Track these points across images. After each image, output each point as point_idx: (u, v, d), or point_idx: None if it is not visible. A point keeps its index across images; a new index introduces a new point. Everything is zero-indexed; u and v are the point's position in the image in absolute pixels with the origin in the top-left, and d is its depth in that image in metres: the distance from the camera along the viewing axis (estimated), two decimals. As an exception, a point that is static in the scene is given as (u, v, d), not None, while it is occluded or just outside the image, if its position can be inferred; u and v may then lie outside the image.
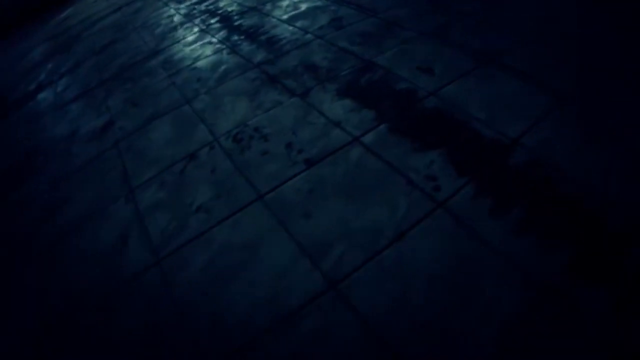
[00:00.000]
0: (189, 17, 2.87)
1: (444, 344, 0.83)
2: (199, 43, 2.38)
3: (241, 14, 2.59)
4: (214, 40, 2.33)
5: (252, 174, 1.33)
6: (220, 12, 2.78)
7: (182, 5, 3.19)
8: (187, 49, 2.35)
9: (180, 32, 2.65)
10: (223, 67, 1.99)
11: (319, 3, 2.39)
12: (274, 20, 2.33)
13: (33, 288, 1.27)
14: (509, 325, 0.83)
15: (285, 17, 2.32)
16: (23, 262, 1.39)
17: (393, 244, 1.03)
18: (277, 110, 1.57)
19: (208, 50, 2.22)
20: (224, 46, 2.21)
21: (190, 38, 2.48)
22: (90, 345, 1.03)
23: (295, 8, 2.42)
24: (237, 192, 1.29)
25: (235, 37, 2.26)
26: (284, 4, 2.52)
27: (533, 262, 0.91)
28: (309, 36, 2.05)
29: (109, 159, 1.72)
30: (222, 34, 2.37)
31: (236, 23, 2.45)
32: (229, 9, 2.75)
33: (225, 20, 2.57)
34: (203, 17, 2.77)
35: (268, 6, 2.57)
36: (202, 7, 2.98)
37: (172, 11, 3.13)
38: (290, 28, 2.18)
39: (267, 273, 1.04)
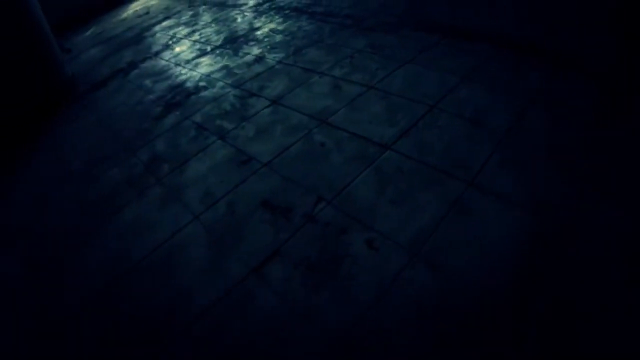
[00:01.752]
0: (259, 12, 3.97)
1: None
2: (289, 22, 3.48)
3: (307, 5, 3.79)
4: (302, 18, 3.47)
5: (394, 58, 2.45)
6: (284, 6, 3.94)
7: (243, 8, 4.26)
8: (284, 25, 3.44)
9: (263, 19, 3.73)
10: (328, 29, 3.13)
11: None
12: (337, 8, 3.58)
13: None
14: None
15: (344, 5, 3.59)
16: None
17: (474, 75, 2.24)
18: (386, 39, 2.75)
19: (304, 24, 3.35)
20: (315, 20, 3.36)
21: (278, 21, 3.58)
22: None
23: None
24: (395, 61, 2.39)
25: (319, 17, 3.44)
26: (336, 1, 3.81)
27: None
28: (369, 13, 3.33)
29: (279, 69, 2.67)
30: (305, 17, 3.53)
31: (309, 10, 3.64)
32: (293, 5, 3.92)
33: (297, 10, 3.74)
34: (273, 11, 3.90)
35: (324, 2, 3.82)
36: (265, 7, 4.12)
37: (237, 11, 4.20)
38: (353, 10, 3.44)
39: (433, 85, 2.15)
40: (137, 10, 5.78)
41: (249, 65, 2.82)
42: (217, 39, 3.52)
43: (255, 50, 3.03)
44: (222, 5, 4.61)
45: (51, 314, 1.43)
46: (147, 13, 5.45)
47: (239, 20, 3.91)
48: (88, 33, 5.51)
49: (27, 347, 1.34)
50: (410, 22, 2.96)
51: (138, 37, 4.39)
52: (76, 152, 2.44)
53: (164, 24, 4.58)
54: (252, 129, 2.09)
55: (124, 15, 5.73)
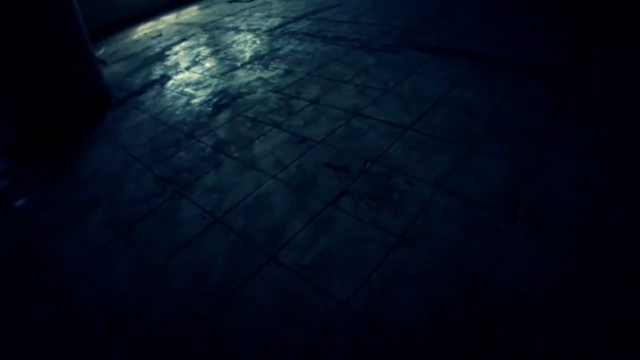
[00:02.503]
0: (275, 36, 4.76)
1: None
2: (306, 44, 4.28)
3: (318, 31, 4.63)
4: (316, 41, 4.28)
5: (400, 70, 3.27)
6: (296, 32, 4.75)
7: (258, 32, 5.05)
8: (301, 46, 4.23)
9: (281, 42, 4.51)
10: (341, 49, 3.95)
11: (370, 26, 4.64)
12: (345, 34, 4.43)
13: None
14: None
15: (350, 31, 4.46)
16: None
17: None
18: (390, 57, 3.59)
19: (319, 45, 4.16)
20: (327, 43, 4.18)
21: (295, 43, 4.37)
22: None
23: (352, 22, 4.59)
24: (401, 72, 3.20)
25: (330, 40, 4.27)
26: (340, 26, 4.68)
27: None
28: (372, 38, 4.21)
29: (309, 79, 3.39)
30: (318, 40, 4.35)
31: (321, 35, 4.47)
32: (304, 30, 4.75)
33: (309, 35, 4.56)
34: (287, 36, 4.70)
35: (331, 28, 4.68)
36: (278, 32, 4.92)
37: (253, 35, 4.97)
38: (358, 35, 4.31)
39: (434, 88, 2.96)
40: (147, 33, 6.44)
41: (281, 76, 3.55)
42: (244, 57, 4.25)
43: (283, 66, 3.78)
44: (237, 30, 5.39)
45: (179, 236, 1.97)
46: (160, 35, 6.12)
47: (258, 42, 4.68)
48: (100, 52, 6.07)
49: (166, 258, 1.87)
50: (407, 44, 3.85)
51: (160, 55, 5.03)
52: (137, 142, 2.99)
53: (183, 44, 5.27)
54: (301, 120, 2.77)
55: (134, 37, 6.37)
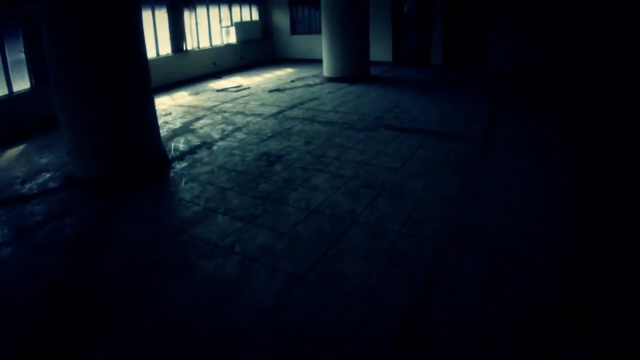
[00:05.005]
0: (280, 120, 7.25)
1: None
2: (308, 126, 6.83)
3: (312, 117, 7.25)
4: (315, 124, 6.85)
5: (382, 141, 5.91)
6: (295, 117, 7.31)
7: (263, 116, 7.49)
8: (306, 127, 6.75)
9: (288, 123, 7.00)
10: (336, 129, 6.55)
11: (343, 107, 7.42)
12: (333, 119, 7.12)
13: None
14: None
15: (336, 117, 7.16)
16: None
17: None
18: (372, 134, 6.26)
19: (319, 126, 6.73)
20: (324, 125, 6.78)
21: (300, 125, 6.88)
22: None
23: (334, 112, 7.32)
24: (383, 143, 5.81)
25: (325, 123, 6.88)
26: (327, 114, 7.38)
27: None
28: (354, 122, 6.94)
29: (325, 147, 5.82)
30: (316, 123, 6.94)
31: (316, 119, 7.09)
32: (301, 116, 7.33)
33: (307, 119, 7.15)
34: (289, 120, 7.22)
35: (321, 115, 7.36)
36: (280, 117, 7.43)
37: (261, 118, 7.40)
38: (344, 120, 7.02)
39: (406, 150, 5.60)
40: (153, 112, 8.46)
41: (304, 145, 5.94)
42: (265, 133, 6.60)
43: (302, 139, 6.20)
44: (244, 114, 7.82)
45: (283, 224, 3.96)
46: (170, 114, 8.22)
47: (270, 123, 7.12)
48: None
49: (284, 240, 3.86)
50: (379, 126, 6.64)
51: (186, 129, 7.11)
52: (218, 180, 4.97)
53: (202, 122, 7.45)
54: (334, 167, 5.10)
55: (141, 115, 8.34)
